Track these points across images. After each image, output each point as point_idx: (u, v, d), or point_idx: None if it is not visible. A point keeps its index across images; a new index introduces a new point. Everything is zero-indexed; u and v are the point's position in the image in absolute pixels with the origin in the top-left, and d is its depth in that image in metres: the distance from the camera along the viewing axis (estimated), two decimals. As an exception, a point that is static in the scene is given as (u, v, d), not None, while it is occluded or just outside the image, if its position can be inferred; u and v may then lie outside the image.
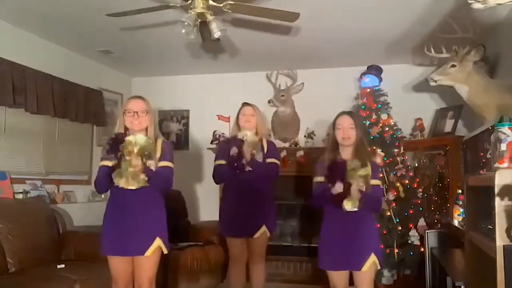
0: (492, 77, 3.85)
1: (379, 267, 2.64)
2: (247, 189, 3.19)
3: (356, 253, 2.56)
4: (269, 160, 3.24)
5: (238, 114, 3.33)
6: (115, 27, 4.02)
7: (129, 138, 2.51)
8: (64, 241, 3.80)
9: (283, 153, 4.97)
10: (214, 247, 4.39)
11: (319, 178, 2.70)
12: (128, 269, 2.59)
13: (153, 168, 2.53)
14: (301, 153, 5.08)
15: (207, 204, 5.39)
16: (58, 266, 3.33)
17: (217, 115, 5.37)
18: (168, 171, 2.63)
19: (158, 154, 2.59)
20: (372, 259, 2.57)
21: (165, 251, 2.64)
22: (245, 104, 3.35)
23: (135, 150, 2.47)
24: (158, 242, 2.57)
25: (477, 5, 1.99)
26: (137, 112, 2.58)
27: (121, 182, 2.47)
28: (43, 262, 3.41)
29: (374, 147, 4.07)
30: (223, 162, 3.23)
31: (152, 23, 3.88)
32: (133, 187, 2.49)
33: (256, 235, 3.21)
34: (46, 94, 4.25)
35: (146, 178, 2.50)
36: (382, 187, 2.85)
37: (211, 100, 5.57)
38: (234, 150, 3.14)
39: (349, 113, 2.76)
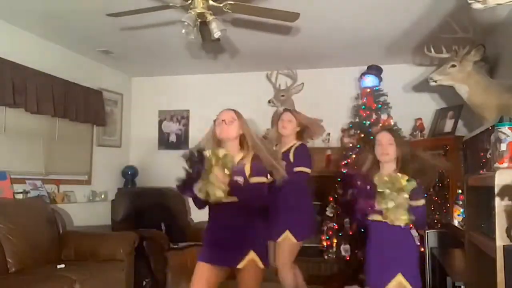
0: (492, 77, 3.85)
1: None
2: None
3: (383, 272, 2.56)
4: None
5: (273, 118, 3.25)
6: (115, 27, 4.02)
7: (212, 149, 2.36)
8: (64, 241, 3.80)
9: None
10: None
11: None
12: (213, 278, 2.45)
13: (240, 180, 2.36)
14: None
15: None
16: (58, 266, 3.33)
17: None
18: (259, 187, 2.42)
19: (248, 171, 2.41)
20: (399, 279, 2.53)
21: (261, 266, 2.43)
22: (285, 109, 3.32)
23: (214, 161, 2.31)
24: (252, 255, 2.40)
25: (477, 5, 1.99)
26: (225, 120, 2.49)
27: (200, 195, 2.31)
28: (43, 262, 3.41)
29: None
30: None
31: (152, 23, 3.88)
32: (212, 199, 2.30)
33: (280, 240, 3.09)
34: (46, 94, 4.25)
35: (227, 190, 2.29)
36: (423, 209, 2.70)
37: (211, 100, 5.56)
38: None
39: (389, 129, 2.77)
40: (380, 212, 2.53)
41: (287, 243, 3.13)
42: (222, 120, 2.50)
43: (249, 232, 2.44)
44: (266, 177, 2.46)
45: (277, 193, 2.94)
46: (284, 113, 3.30)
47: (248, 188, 2.39)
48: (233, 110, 2.59)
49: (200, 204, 2.44)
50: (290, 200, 3.12)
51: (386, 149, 2.63)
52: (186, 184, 2.34)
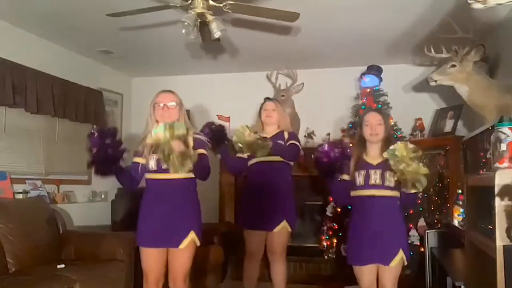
0: (492, 77, 3.85)
1: (406, 263, 2.63)
2: (268, 183, 3.16)
3: (385, 248, 2.56)
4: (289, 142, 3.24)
5: (260, 110, 3.32)
6: (115, 27, 4.02)
7: (168, 123, 2.39)
8: (64, 241, 3.80)
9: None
10: (214, 247, 4.39)
11: (345, 176, 2.71)
12: (161, 262, 2.57)
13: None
14: (301, 153, 5.07)
15: (207, 204, 5.37)
16: (58, 266, 3.32)
17: (217, 115, 5.37)
18: (205, 158, 2.58)
19: (191, 144, 2.53)
20: (401, 255, 2.57)
21: (198, 244, 2.59)
22: (267, 99, 3.37)
23: (175, 134, 2.34)
24: (192, 236, 2.54)
25: (477, 5, 1.99)
26: (166, 105, 2.55)
27: (171, 169, 2.35)
28: (43, 262, 3.40)
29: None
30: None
31: (152, 23, 3.88)
32: (182, 172, 2.37)
33: (276, 230, 3.14)
34: (46, 94, 4.25)
35: (191, 165, 2.36)
36: None
37: (211, 100, 5.56)
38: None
39: (377, 109, 2.78)
40: (364, 187, 2.57)
41: (284, 232, 3.18)
42: (164, 104, 2.55)
43: (189, 212, 2.55)
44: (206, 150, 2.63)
45: (271, 182, 3.13)
46: (267, 103, 3.32)
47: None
48: (171, 91, 2.64)
49: (132, 179, 2.64)
50: (286, 190, 3.21)
51: (375, 129, 2.64)
52: (110, 163, 2.52)
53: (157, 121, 2.58)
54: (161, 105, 2.56)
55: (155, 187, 2.58)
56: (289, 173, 3.31)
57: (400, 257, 2.56)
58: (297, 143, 3.29)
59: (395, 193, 2.61)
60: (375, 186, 2.59)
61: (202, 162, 2.51)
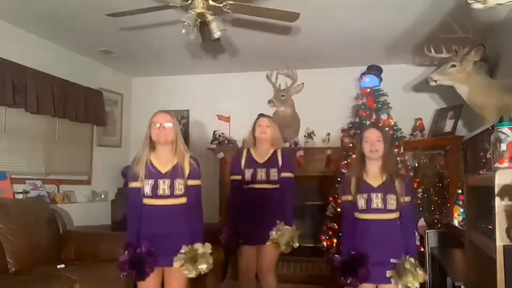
0: (492, 77, 3.85)
1: None
2: (261, 205, 3.15)
3: (385, 268, 2.52)
4: (283, 174, 3.20)
5: (254, 125, 3.27)
6: (115, 27, 4.02)
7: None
8: (64, 241, 3.80)
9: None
10: (214, 247, 4.38)
11: (348, 197, 2.66)
12: (157, 283, 2.57)
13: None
14: (301, 153, 5.08)
15: (206, 205, 5.37)
16: (58, 266, 3.33)
17: (217, 115, 5.39)
18: (197, 190, 2.64)
19: (186, 172, 2.57)
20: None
21: None
22: (261, 115, 3.31)
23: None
24: None
25: (477, 5, 1.99)
26: (162, 124, 2.56)
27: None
28: (43, 262, 3.40)
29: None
30: (238, 177, 3.23)
31: (152, 23, 3.88)
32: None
33: (268, 243, 3.11)
34: (46, 94, 4.25)
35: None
36: (412, 206, 2.77)
37: (211, 100, 5.57)
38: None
39: (376, 126, 2.76)
40: (367, 211, 2.54)
41: (276, 246, 3.13)
42: (160, 124, 2.56)
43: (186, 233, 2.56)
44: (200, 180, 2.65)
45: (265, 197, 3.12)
46: (261, 119, 3.27)
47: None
48: (168, 112, 2.66)
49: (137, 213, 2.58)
50: (279, 204, 3.17)
51: (375, 146, 2.61)
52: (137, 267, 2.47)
53: (150, 139, 2.59)
54: (157, 125, 2.57)
55: (151, 212, 2.57)
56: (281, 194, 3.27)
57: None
58: (291, 175, 3.25)
59: (397, 215, 2.58)
60: (377, 210, 2.55)
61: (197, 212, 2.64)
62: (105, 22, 3.60)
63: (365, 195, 2.57)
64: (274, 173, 3.17)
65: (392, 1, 3.47)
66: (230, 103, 5.41)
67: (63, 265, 3.36)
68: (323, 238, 4.52)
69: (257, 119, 3.29)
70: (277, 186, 3.18)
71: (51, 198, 4.32)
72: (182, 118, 5.75)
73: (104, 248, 3.72)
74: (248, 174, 3.20)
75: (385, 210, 2.55)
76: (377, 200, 2.55)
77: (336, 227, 4.42)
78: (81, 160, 4.94)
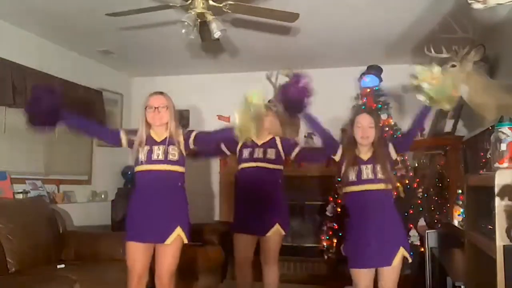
0: (492, 77, 3.85)
1: (410, 260, 2.62)
2: (258, 187, 3.15)
3: (385, 248, 2.52)
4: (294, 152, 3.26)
5: None
6: (115, 27, 4.02)
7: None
8: (64, 241, 3.80)
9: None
10: (214, 247, 4.39)
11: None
12: (145, 258, 2.57)
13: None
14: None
15: (206, 204, 5.39)
16: (58, 266, 3.33)
17: (217, 115, 5.38)
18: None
19: (181, 142, 2.67)
20: (401, 252, 2.53)
21: (185, 241, 2.61)
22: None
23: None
24: (178, 231, 2.56)
25: (477, 5, 2.00)
26: (157, 108, 2.63)
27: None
28: (43, 262, 3.40)
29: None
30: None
31: (152, 23, 3.88)
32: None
33: (269, 234, 3.11)
34: (46, 94, 4.25)
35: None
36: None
37: (211, 100, 5.56)
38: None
39: (369, 111, 2.76)
40: (357, 182, 2.57)
41: (277, 236, 3.15)
42: (155, 108, 2.65)
43: (176, 207, 2.61)
44: None
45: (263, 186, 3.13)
46: None
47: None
48: (162, 94, 2.75)
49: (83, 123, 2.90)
50: (278, 193, 3.20)
51: (366, 132, 2.62)
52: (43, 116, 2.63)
53: (147, 123, 2.66)
54: (152, 107, 2.64)
55: (143, 180, 2.61)
56: (279, 177, 3.26)
57: (400, 255, 2.53)
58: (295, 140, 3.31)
59: (388, 186, 2.59)
60: (367, 181, 2.57)
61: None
62: (105, 22, 3.60)
63: (356, 167, 2.61)
64: (271, 152, 3.19)
65: (392, 1, 3.47)
66: (230, 103, 5.39)
67: (63, 265, 3.36)
68: (323, 238, 4.53)
69: None
70: (275, 166, 3.19)
71: (51, 198, 4.32)
72: (182, 118, 5.75)
73: (104, 248, 3.72)
74: (246, 152, 3.22)
75: (375, 180, 2.57)
76: (367, 171, 2.59)
77: (336, 227, 4.43)
78: (81, 160, 4.93)
